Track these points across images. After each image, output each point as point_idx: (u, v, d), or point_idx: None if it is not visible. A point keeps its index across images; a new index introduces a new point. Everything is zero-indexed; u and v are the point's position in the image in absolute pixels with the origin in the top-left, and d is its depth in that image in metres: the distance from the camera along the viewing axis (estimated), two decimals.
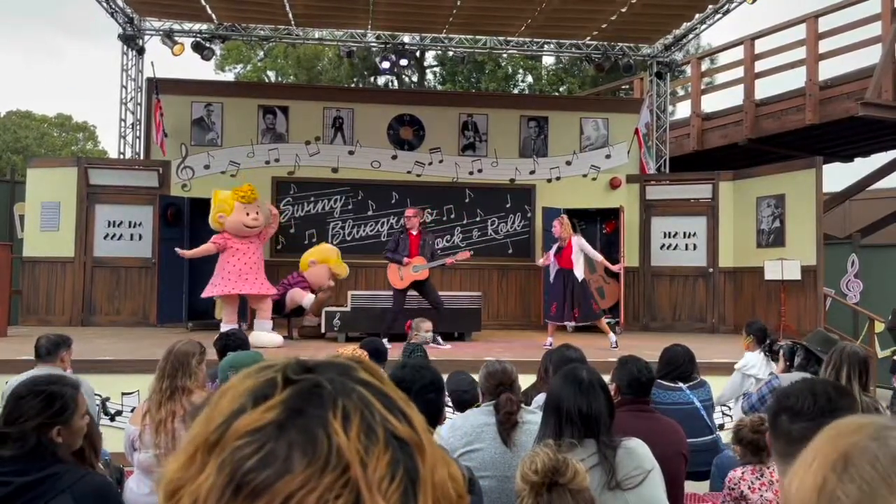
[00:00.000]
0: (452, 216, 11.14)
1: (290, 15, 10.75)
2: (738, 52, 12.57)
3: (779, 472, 1.47)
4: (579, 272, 7.73)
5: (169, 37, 11.07)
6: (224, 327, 7.29)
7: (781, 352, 4.48)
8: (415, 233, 8.08)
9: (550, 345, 7.18)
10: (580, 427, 2.33)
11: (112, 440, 4.30)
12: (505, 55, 18.24)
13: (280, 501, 0.50)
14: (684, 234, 10.98)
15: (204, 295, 8.22)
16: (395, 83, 21.77)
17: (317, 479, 0.50)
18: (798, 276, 9.43)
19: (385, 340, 7.86)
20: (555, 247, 7.89)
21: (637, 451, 2.39)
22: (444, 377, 3.83)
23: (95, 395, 4.99)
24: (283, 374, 0.56)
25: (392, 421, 0.55)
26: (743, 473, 3.07)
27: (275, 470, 0.50)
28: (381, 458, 0.52)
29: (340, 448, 0.51)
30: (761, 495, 2.99)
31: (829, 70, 11.24)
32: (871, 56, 10.59)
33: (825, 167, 9.86)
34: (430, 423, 2.37)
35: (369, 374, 0.58)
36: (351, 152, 11.10)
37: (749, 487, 3.01)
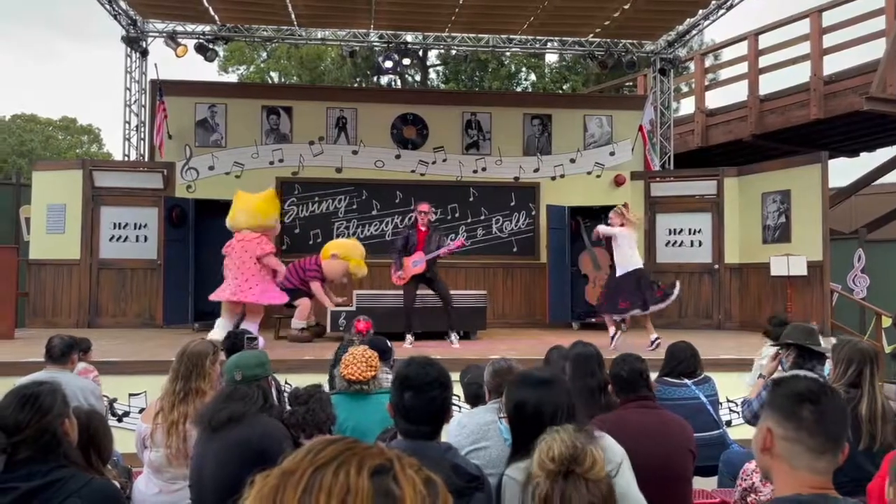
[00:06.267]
0: (457, 215, 11.14)
1: (293, 15, 10.76)
2: (741, 48, 12.55)
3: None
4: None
5: (172, 38, 11.09)
6: (246, 326, 7.29)
7: (768, 355, 4.39)
8: (423, 228, 8.07)
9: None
10: (534, 424, 2.27)
11: (120, 441, 4.30)
12: (508, 53, 18.23)
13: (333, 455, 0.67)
14: (689, 230, 10.95)
15: (277, 302, 8.03)
16: (398, 82, 21.78)
17: (362, 448, 0.68)
18: (804, 272, 9.40)
19: (410, 338, 7.90)
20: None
21: (608, 445, 2.36)
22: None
23: (103, 396, 4.99)
24: None
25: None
26: (756, 466, 3.08)
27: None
28: (413, 464, 0.68)
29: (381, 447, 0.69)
30: (772, 489, 2.98)
31: (833, 65, 11.21)
32: (876, 50, 10.55)
33: (830, 162, 9.83)
34: (434, 420, 2.37)
35: None
36: (355, 152, 11.10)
37: (761, 480, 3.01)
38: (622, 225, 7.65)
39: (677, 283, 7.82)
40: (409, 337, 7.94)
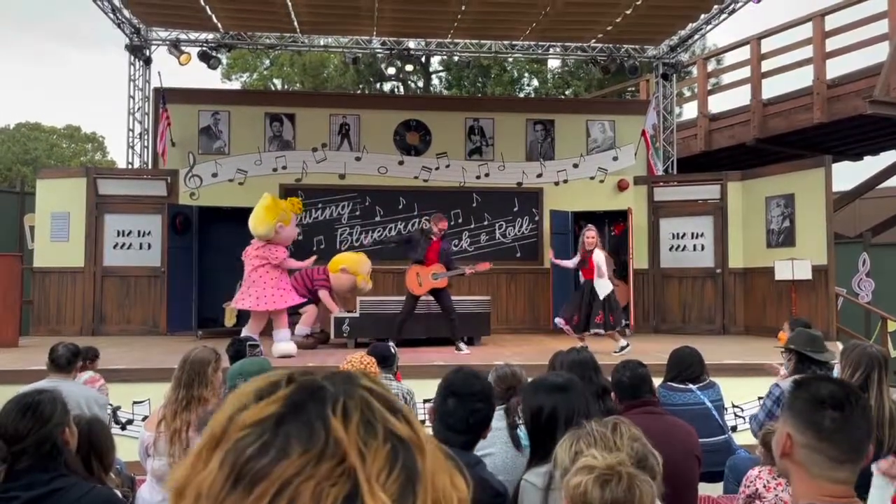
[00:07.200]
0: (460, 221, 11.13)
1: (296, 23, 10.79)
2: (744, 52, 12.54)
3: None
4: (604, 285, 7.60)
5: (175, 46, 11.13)
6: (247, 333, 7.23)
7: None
8: (435, 239, 8.10)
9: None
10: (558, 427, 2.29)
11: (123, 449, 4.30)
12: (510, 59, 18.26)
13: (277, 488, 0.50)
14: (693, 234, 10.93)
15: (265, 308, 7.57)
16: (401, 89, 21.80)
17: (313, 467, 0.51)
18: (809, 276, 9.37)
19: (392, 346, 7.85)
20: (578, 258, 7.79)
21: None
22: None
23: (108, 404, 4.99)
24: (289, 377, 0.59)
25: (392, 421, 0.56)
26: (760, 472, 3.06)
27: (272, 457, 0.52)
28: (380, 451, 0.53)
29: (339, 440, 0.52)
30: (776, 495, 2.96)
31: (836, 68, 11.21)
32: (879, 54, 10.55)
33: (834, 166, 9.80)
34: (471, 430, 2.37)
35: (373, 382, 0.60)
36: (358, 158, 11.11)
37: (765, 486, 3.00)
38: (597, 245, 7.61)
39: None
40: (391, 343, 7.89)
